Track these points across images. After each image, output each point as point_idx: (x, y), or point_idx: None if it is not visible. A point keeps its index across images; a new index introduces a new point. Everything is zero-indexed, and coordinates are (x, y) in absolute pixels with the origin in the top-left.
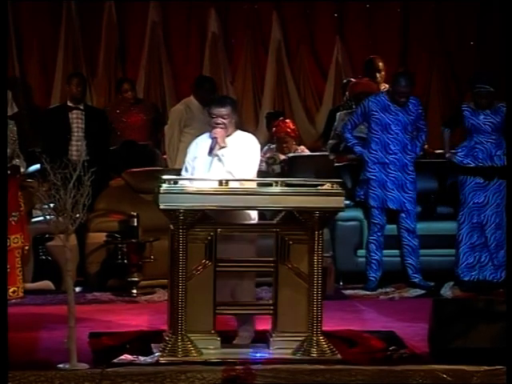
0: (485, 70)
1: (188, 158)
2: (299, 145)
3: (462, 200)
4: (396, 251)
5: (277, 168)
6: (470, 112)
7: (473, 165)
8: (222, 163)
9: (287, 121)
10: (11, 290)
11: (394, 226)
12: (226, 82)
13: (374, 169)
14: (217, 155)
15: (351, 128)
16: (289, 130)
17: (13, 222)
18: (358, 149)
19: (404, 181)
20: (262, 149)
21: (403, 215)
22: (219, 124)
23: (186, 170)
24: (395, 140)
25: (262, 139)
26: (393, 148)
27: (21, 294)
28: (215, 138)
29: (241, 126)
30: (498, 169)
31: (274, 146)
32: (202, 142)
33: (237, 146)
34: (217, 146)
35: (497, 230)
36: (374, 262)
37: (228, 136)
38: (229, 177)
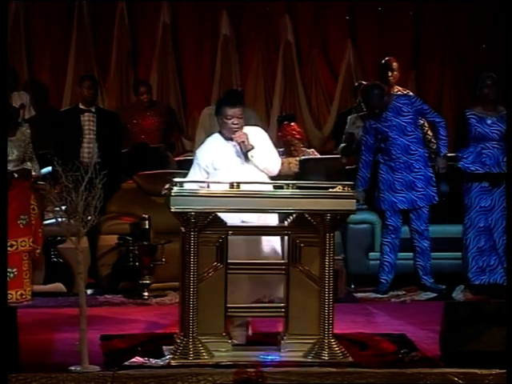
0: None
1: (206, 163)
2: (308, 148)
3: (467, 205)
4: (408, 254)
5: None
6: (476, 119)
7: (481, 171)
8: (254, 164)
9: (292, 124)
10: (19, 293)
11: (407, 228)
12: (237, 84)
13: (383, 169)
14: (248, 157)
15: (367, 151)
16: (294, 132)
17: (21, 225)
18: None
19: (412, 180)
20: None
21: (413, 217)
22: (236, 125)
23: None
24: (395, 145)
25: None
26: (394, 153)
27: (29, 298)
28: (242, 142)
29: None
30: (505, 175)
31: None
32: (215, 144)
33: (255, 141)
34: (246, 148)
35: (504, 233)
36: (386, 264)
37: None
38: (263, 175)
